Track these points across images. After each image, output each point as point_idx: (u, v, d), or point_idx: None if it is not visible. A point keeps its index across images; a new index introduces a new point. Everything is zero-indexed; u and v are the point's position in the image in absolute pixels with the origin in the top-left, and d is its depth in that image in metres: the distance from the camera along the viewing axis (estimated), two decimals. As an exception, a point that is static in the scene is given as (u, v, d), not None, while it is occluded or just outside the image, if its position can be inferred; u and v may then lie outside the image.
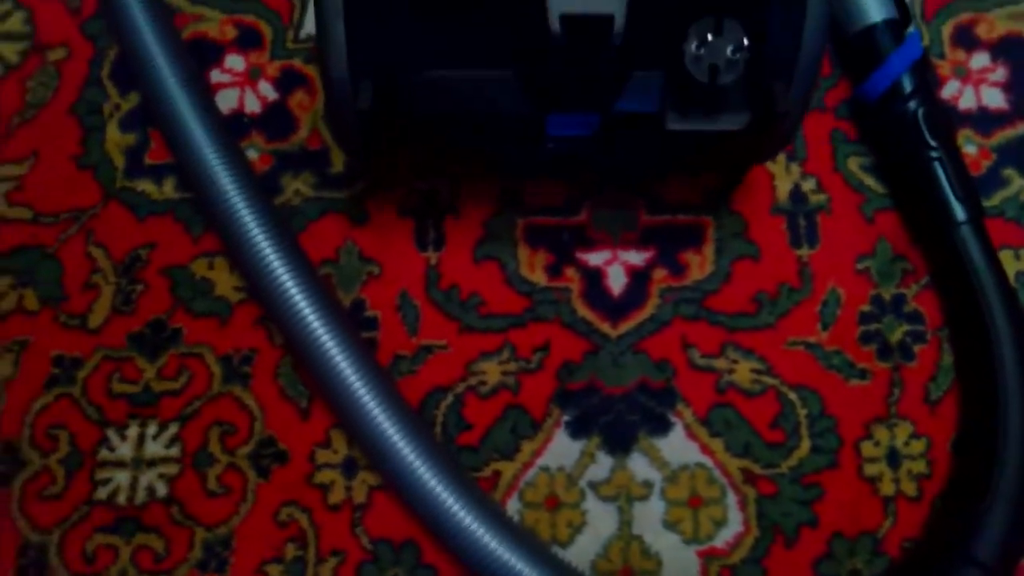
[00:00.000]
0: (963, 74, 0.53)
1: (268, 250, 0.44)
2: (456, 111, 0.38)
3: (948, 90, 0.52)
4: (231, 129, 0.50)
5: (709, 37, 0.37)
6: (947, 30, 0.54)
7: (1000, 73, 0.53)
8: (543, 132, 0.39)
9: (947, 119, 0.49)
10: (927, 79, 0.49)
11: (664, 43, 0.37)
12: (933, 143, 0.47)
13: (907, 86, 0.48)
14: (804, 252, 0.49)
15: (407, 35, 0.37)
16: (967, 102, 0.52)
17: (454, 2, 0.36)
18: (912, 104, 0.48)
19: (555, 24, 0.33)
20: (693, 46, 0.36)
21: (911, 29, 0.52)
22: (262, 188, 0.48)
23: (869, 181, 0.51)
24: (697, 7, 0.36)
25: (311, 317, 0.43)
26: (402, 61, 0.38)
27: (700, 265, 0.49)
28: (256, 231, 0.45)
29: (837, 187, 0.51)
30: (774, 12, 0.37)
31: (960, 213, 0.47)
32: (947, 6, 0.54)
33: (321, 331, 0.43)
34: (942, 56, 0.53)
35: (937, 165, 0.47)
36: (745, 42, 0.36)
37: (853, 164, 0.51)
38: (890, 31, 0.50)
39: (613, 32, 0.34)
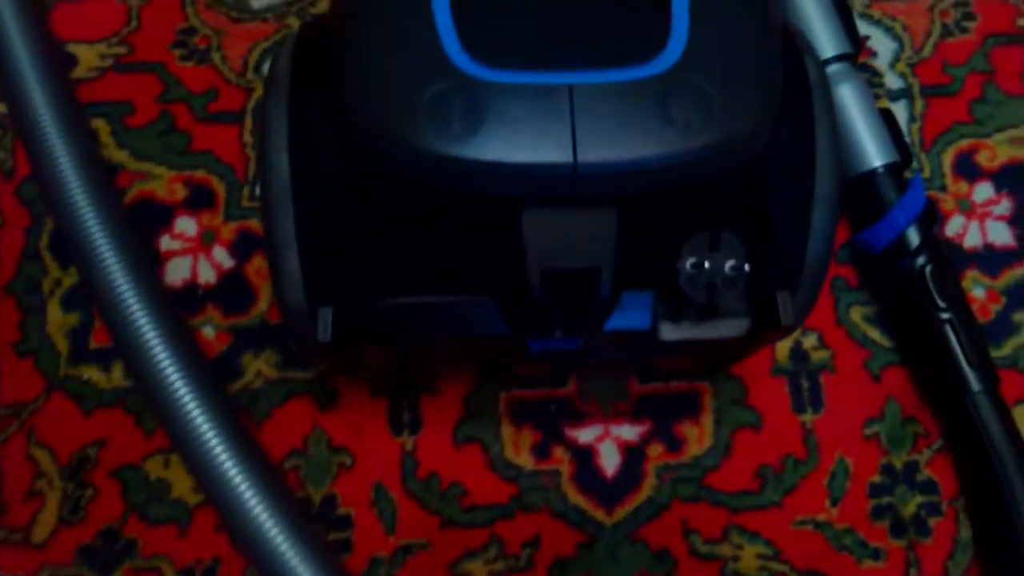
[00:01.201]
0: (967, 208, 0.49)
1: (224, 457, 0.40)
2: (427, 337, 0.34)
3: (952, 227, 0.49)
4: (182, 304, 0.46)
5: (705, 253, 0.33)
6: (947, 159, 0.50)
7: (1005, 205, 0.49)
8: (524, 349, 0.35)
9: (956, 276, 0.45)
10: (933, 231, 0.45)
11: (656, 262, 0.33)
12: (942, 304, 0.44)
13: (912, 241, 0.45)
14: (808, 417, 0.46)
15: (369, 260, 0.33)
16: (972, 240, 0.49)
17: (419, 229, 0.32)
18: (919, 261, 0.44)
19: (535, 279, 0.29)
20: (688, 264, 0.32)
21: (914, 171, 0.49)
22: (215, 374, 0.43)
23: (874, 334, 0.47)
24: (691, 222, 0.32)
25: (284, 547, 0.38)
26: (365, 288, 0.33)
27: (698, 438, 0.45)
28: (209, 433, 0.40)
29: (840, 342, 0.47)
30: (777, 220, 0.33)
31: (974, 382, 0.43)
32: (946, 132, 0.51)
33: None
34: (943, 188, 0.50)
35: (947, 328, 0.44)
36: (745, 259, 0.32)
37: (856, 315, 0.47)
38: (891, 177, 0.46)
39: (600, 283, 0.30)
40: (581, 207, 0.28)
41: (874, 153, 0.46)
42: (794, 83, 0.33)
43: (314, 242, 0.32)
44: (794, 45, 0.34)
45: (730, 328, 0.35)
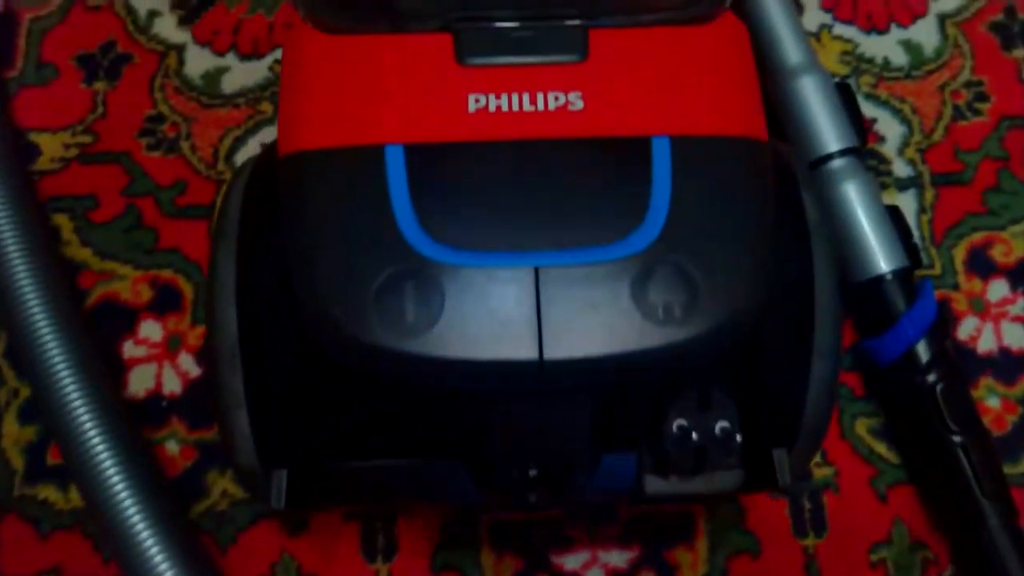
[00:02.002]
0: (980, 308, 0.46)
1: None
2: (390, 499, 0.31)
3: (965, 329, 0.45)
4: (144, 417, 0.43)
5: (693, 414, 0.30)
6: (959, 254, 0.47)
7: (1021, 305, 0.46)
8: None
9: (969, 396, 0.42)
10: (945, 345, 0.42)
11: (639, 423, 0.30)
12: (954, 427, 0.41)
13: (922, 355, 0.41)
14: (810, 542, 0.42)
15: (326, 420, 0.30)
16: (987, 343, 0.45)
17: (379, 390, 0.29)
18: (929, 378, 0.41)
19: (505, 466, 0.26)
20: (674, 426, 0.29)
21: (924, 274, 0.45)
22: (175, 495, 0.41)
23: (880, 448, 0.44)
24: (676, 380, 0.29)
25: None
26: (322, 449, 0.30)
27: (692, 565, 0.42)
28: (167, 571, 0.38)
29: (844, 458, 0.43)
30: (771, 373, 0.30)
31: (990, 515, 0.40)
32: (957, 225, 0.47)
33: None
34: (955, 287, 0.46)
35: (960, 452, 0.40)
36: (737, 419, 0.29)
37: (861, 428, 0.44)
38: (900, 283, 0.43)
39: (575, 475, 0.27)
40: (552, 396, 0.25)
41: (881, 258, 0.43)
42: (790, 224, 0.30)
43: (266, 401, 0.29)
44: (790, 177, 0.31)
45: (722, 482, 0.32)
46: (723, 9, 0.29)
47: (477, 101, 0.27)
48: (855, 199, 0.43)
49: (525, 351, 0.24)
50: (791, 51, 0.46)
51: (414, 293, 0.24)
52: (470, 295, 0.24)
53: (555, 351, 0.24)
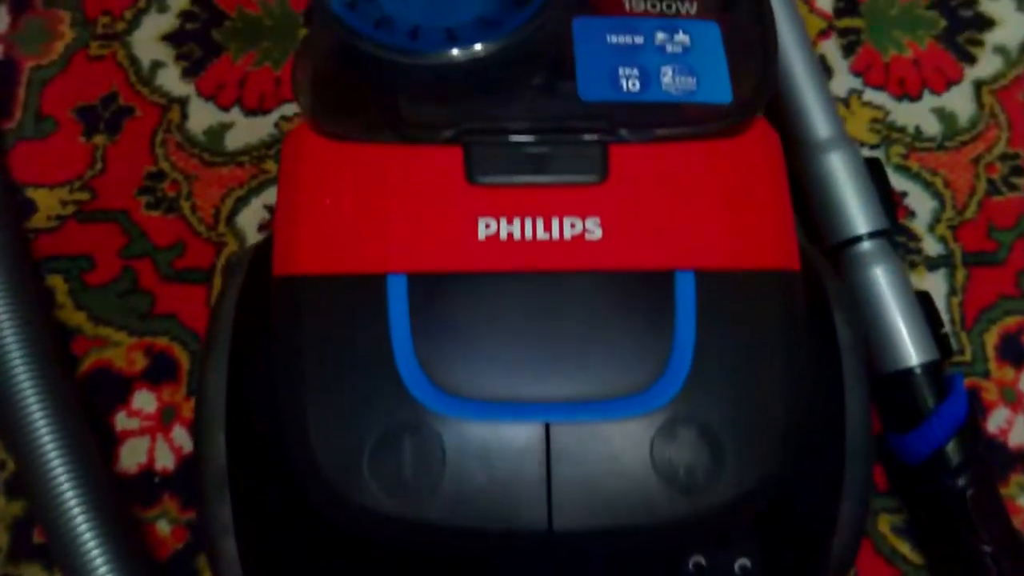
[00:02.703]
0: (1012, 399, 0.43)
1: None
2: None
3: (995, 420, 0.43)
4: (135, 494, 0.41)
5: (711, 551, 0.27)
6: (991, 340, 0.44)
7: (1056, 396, 0.44)
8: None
9: (1001, 501, 0.39)
10: (977, 446, 0.40)
11: (652, 561, 0.27)
12: (985, 536, 0.38)
13: (953, 458, 0.39)
14: (828, 647, 0.40)
15: (319, 553, 0.28)
16: (1019, 436, 0.43)
17: (376, 546, 0.27)
18: (959, 482, 0.39)
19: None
20: (690, 564, 0.27)
21: (954, 366, 0.43)
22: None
23: (904, 548, 0.41)
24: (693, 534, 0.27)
25: None
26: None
27: (702, 669, 0.40)
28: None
29: (867, 559, 0.41)
30: (796, 513, 0.28)
31: (1021, 632, 0.38)
32: (990, 308, 0.45)
33: None
34: (986, 375, 0.44)
35: (989, 562, 0.38)
36: (759, 558, 0.27)
37: (885, 525, 0.42)
38: (929, 378, 0.40)
39: None
40: (562, 564, 0.23)
41: (911, 350, 0.40)
42: (820, 350, 0.28)
43: (255, 530, 0.27)
44: (822, 293, 0.29)
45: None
46: (756, 119, 0.27)
47: (488, 227, 0.25)
48: (884, 286, 0.41)
49: (532, 520, 0.22)
50: (820, 124, 0.43)
51: (413, 450, 0.22)
52: (474, 454, 0.22)
53: (565, 521, 0.22)
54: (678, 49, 0.27)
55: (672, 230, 0.25)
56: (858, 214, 0.42)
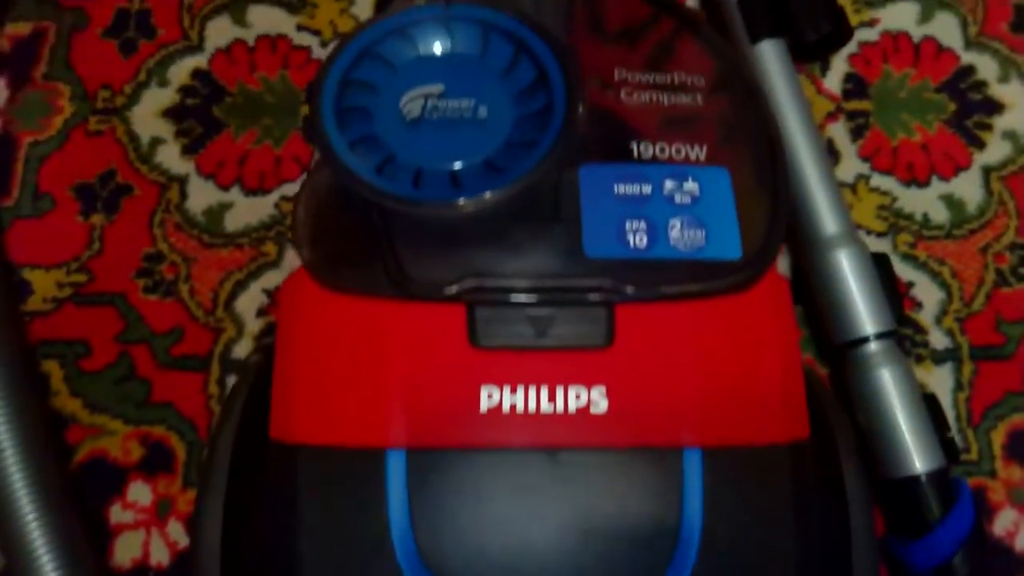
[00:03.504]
0: (1020, 500, 0.43)
1: None
2: None
3: (1001, 523, 0.42)
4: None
5: None
6: (998, 438, 0.44)
7: (1063, 497, 0.43)
8: None
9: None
10: (982, 557, 0.39)
11: None
12: (991, 651, 0.38)
13: (959, 571, 0.38)
14: None
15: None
16: (1024, 540, 0.43)
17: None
18: (965, 596, 0.38)
19: None
20: None
21: (960, 467, 0.42)
22: None
23: (907, 655, 0.41)
24: None
25: None
26: None
27: None
28: None
29: (868, 665, 0.41)
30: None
31: None
32: (997, 405, 0.44)
33: None
34: (992, 474, 0.43)
35: None
36: None
37: (888, 630, 0.41)
38: (935, 486, 0.39)
39: None
40: None
41: (917, 457, 0.39)
42: (827, 492, 0.27)
43: None
44: (830, 436, 0.28)
45: None
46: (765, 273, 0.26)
47: (490, 396, 0.24)
48: (891, 389, 0.40)
49: None
50: (827, 220, 0.42)
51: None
52: None
53: None
54: (687, 199, 0.26)
55: (679, 402, 0.24)
56: (865, 315, 0.41)
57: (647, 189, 0.26)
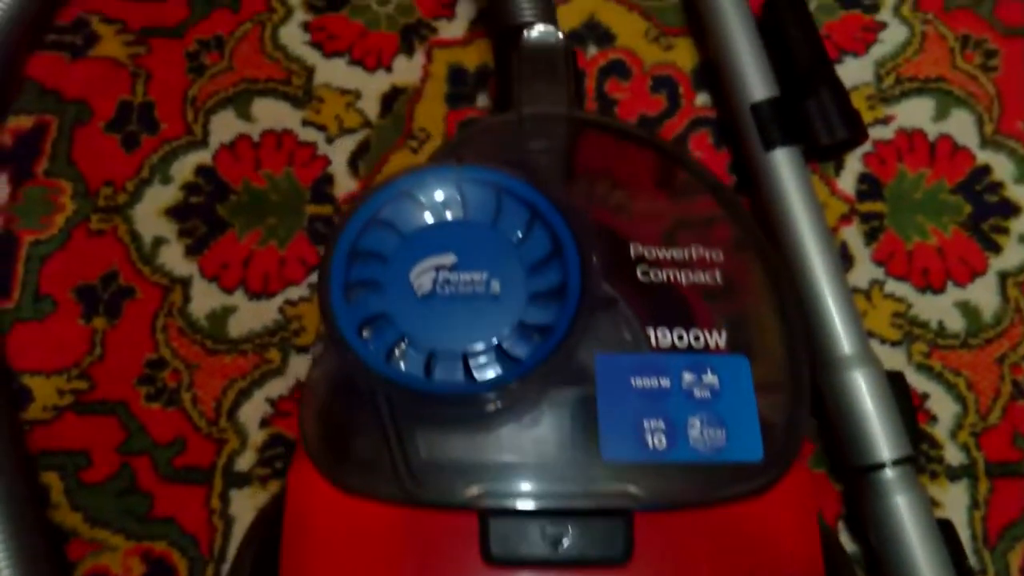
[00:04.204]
0: (1037, 627, 0.42)
1: None
2: None
3: (1017, 649, 0.42)
4: None
5: None
6: (1015, 559, 0.43)
7: (1081, 624, 0.42)
8: None
9: None
10: None
11: None
12: None
13: None
14: None
15: None
16: (1041, 667, 0.42)
17: None
18: None
19: None
20: None
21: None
22: None
23: None
24: None
25: None
26: None
27: None
28: None
29: None
30: None
31: None
32: (1014, 524, 0.43)
33: None
34: (1010, 598, 0.43)
35: None
36: None
37: None
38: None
39: None
40: None
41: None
42: None
43: None
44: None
45: None
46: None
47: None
48: (906, 517, 0.39)
49: None
50: (842, 339, 0.42)
51: None
52: None
53: None
54: (706, 394, 0.25)
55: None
56: (881, 440, 0.40)
57: (665, 382, 0.26)
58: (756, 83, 0.45)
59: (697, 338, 0.27)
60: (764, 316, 0.28)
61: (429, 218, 0.28)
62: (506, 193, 0.28)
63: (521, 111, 0.32)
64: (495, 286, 0.27)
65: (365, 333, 0.26)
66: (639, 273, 0.28)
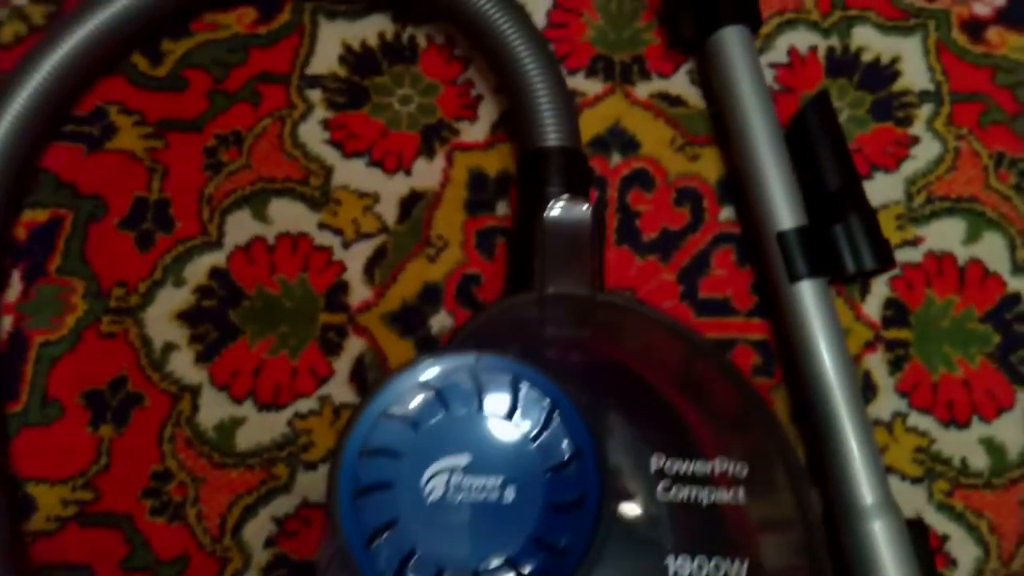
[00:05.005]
0: None
1: None
2: None
3: None
4: None
5: None
6: None
7: None
8: None
9: None
10: None
11: None
12: None
13: None
14: None
15: None
16: None
17: None
18: None
19: None
20: None
21: None
22: None
23: None
24: None
25: None
26: None
27: None
28: None
29: None
30: None
31: None
32: None
33: None
34: None
35: None
36: None
37: None
38: None
39: None
40: None
41: None
42: None
43: None
44: None
45: None
46: None
47: None
48: None
49: None
50: (863, 488, 0.40)
51: None
52: None
53: None
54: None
55: None
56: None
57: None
58: (783, 211, 0.44)
59: (718, 567, 0.26)
60: (787, 538, 0.27)
61: (443, 411, 0.27)
62: (525, 387, 0.27)
63: (543, 293, 0.31)
64: (509, 494, 0.26)
65: (374, 542, 0.25)
66: (660, 489, 0.27)
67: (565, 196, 0.33)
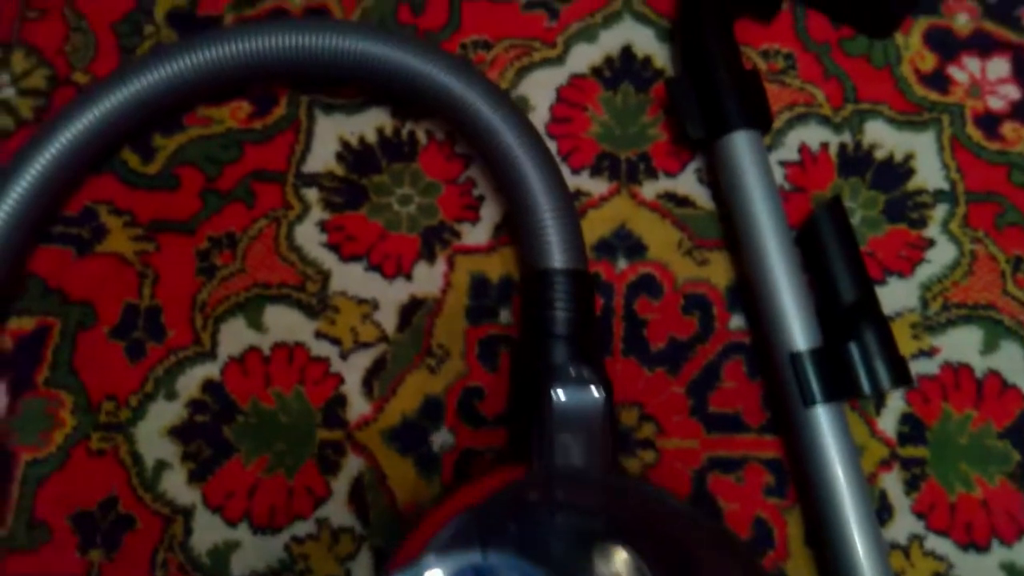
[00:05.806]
0: None
1: None
2: None
3: None
4: None
5: None
6: None
7: None
8: None
9: None
10: None
11: None
12: None
13: None
14: None
15: None
16: None
17: None
18: None
19: None
20: None
21: None
22: None
23: None
24: None
25: None
26: None
27: None
28: None
29: None
30: None
31: None
32: None
33: None
34: None
35: None
36: None
37: None
38: None
39: None
40: None
41: None
42: None
43: None
44: None
45: None
46: None
47: None
48: None
49: None
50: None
51: None
52: None
53: None
54: None
55: None
56: None
57: None
58: (796, 331, 0.43)
59: None
60: None
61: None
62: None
63: (550, 474, 0.30)
64: None
65: None
66: None
67: (573, 375, 0.31)
